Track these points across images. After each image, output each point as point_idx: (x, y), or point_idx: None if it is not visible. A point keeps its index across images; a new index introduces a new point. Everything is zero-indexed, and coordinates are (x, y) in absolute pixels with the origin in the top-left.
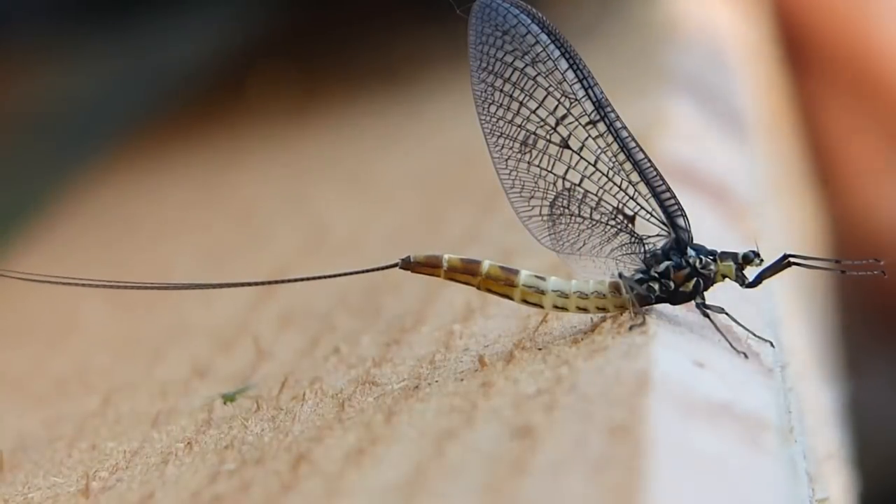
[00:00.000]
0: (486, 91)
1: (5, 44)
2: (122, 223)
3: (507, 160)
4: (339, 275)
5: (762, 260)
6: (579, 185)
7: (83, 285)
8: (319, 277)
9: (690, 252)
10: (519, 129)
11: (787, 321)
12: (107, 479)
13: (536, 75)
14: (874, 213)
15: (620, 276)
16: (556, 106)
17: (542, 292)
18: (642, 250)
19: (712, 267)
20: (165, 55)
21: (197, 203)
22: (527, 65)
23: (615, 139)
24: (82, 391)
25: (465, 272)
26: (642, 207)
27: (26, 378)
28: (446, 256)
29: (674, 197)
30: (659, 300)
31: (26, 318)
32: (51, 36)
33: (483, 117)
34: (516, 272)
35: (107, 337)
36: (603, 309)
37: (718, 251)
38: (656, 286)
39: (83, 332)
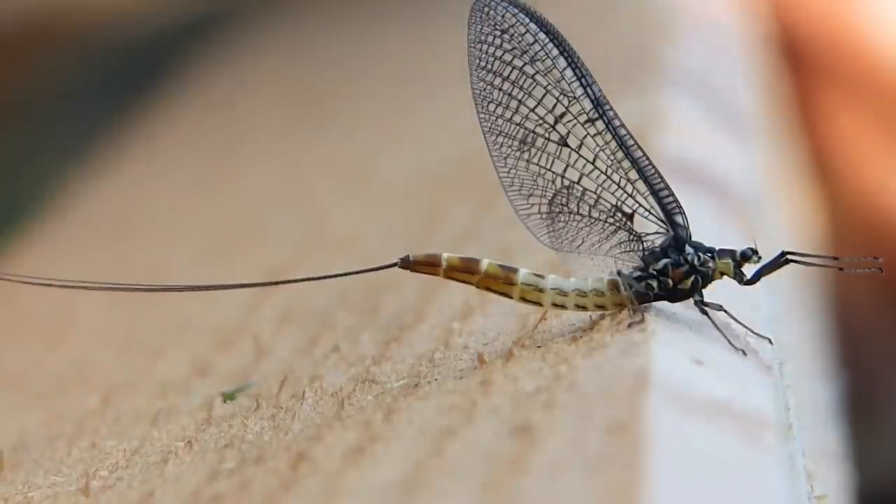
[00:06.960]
0: (485, 89)
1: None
2: (121, 221)
3: (506, 158)
4: (338, 275)
5: (760, 257)
6: (578, 182)
7: (81, 287)
8: (318, 278)
9: (689, 249)
10: (518, 127)
11: (785, 318)
12: (107, 477)
13: (535, 73)
14: (872, 209)
15: (619, 273)
16: (555, 104)
17: (541, 290)
18: (641, 248)
19: (710, 264)
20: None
21: (196, 201)
22: (525, 63)
23: (613, 137)
24: (82, 390)
25: (465, 271)
26: (640, 205)
27: (26, 377)
28: (445, 255)
29: (672, 194)
30: (657, 298)
31: (25, 316)
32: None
33: (482, 115)
34: (515, 270)
35: (106, 335)
36: (602, 307)
37: (716, 248)
38: (655, 284)
39: (82, 331)
